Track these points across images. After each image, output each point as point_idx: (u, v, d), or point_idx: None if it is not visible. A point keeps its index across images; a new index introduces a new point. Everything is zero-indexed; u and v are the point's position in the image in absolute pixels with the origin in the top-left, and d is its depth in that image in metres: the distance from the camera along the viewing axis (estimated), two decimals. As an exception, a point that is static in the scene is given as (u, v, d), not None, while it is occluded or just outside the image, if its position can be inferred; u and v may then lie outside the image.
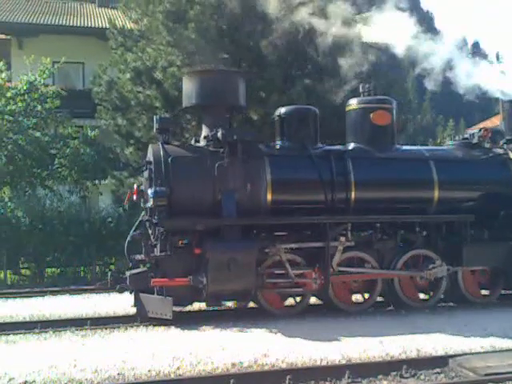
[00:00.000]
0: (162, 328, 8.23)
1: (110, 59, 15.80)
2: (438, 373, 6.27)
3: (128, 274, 8.61)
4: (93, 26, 22.32)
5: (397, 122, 9.94)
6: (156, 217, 8.25)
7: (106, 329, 8.22)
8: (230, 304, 9.53)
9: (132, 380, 5.97)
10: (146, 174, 8.80)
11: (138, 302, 8.49)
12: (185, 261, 8.40)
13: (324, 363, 6.51)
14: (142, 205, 9.09)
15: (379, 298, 9.60)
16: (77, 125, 18.02)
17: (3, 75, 15.93)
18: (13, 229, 13.84)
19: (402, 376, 6.16)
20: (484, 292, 10.00)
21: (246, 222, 8.60)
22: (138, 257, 8.86)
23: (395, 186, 9.54)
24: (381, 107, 9.67)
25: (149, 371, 6.19)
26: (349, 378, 6.03)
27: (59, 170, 16.81)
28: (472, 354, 6.71)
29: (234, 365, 6.42)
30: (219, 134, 8.54)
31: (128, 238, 8.95)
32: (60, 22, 22.25)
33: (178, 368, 6.31)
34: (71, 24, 22.31)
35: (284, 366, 6.42)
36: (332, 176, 9.06)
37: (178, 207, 8.39)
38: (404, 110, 15.89)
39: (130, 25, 16.78)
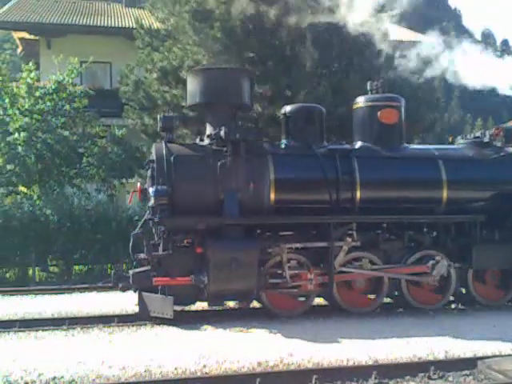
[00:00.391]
0: (188, 326, 8.26)
1: (136, 59, 15.93)
2: (467, 375, 6.19)
3: (131, 272, 8.62)
4: (120, 25, 22.49)
5: (405, 120, 9.77)
6: (157, 215, 8.22)
7: (132, 326, 8.31)
8: (231, 304, 9.53)
9: (159, 377, 6.02)
10: (149, 172, 8.80)
11: (140, 301, 8.48)
12: (187, 260, 8.39)
13: (350, 363, 6.48)
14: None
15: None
16: (104, 124, 18.20)
17: (32, 75, 16.14)
18: (41, 227, 14.02)
19: (429, 377, 6.10)
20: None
21: (247, 221, 8.52)
22: (142, 255, 8.82)
23: (402, 185, 9.34)
24: (388, 105, 9.52)
25: (175, 369, 6.23)
26: (376, 378, 5.99)
27: (87, 168, 17.00)
28: (502, 356, 6.60)
29: (259, 364, 6.42)
30: (222, 133, 8.48)
31: (132, 237, 8.93)
32: (87, 22, 22.47)
33: (204, 366, 6.33)
34: (99, 24, 22.51)
35: (310, 365, 6.40)
36: (337, 175, 8.91)
37: (179, 206, 8.36)
38: (431, 108, 15.72)
39: (156, 24, 16.89)
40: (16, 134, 15.36)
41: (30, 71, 16.16)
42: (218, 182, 8.42)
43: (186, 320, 8.58)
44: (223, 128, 8.49)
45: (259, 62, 13.57)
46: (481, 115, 49.40)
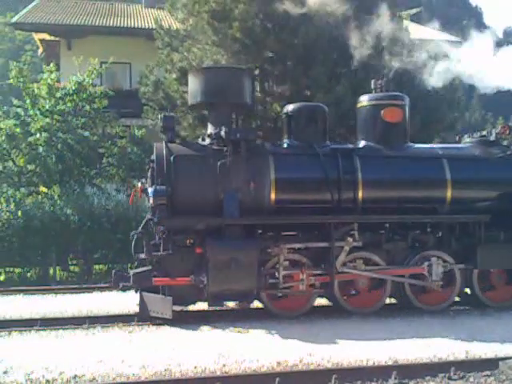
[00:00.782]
0: (207, 326, 8.28)
1: (156, 59, 16.00)
2: (488, 375, 6.12)
3: (131, 272, 8.64)
4: (139, 26, 22.63)
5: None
6: (156, 216, 8.23)
7: (152, 325, 8.34)
8: (231, 304, 9.50)
9: (178, 376, 6.04)
10: (149, 172, 8.80)
11: (140, 301, 8.50)
12: (187, 260, 8.38)
13: (370, 363, 6.44)
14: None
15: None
16: (124, 124, 18.33)
17: (53, 76, 16.30)
18: (62, 226, 14.14)
19: (450, 378, 6.04)
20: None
21: (246, 221, 8.48)
22: (142, 255, 8.81)
23: (405, 185, 9.24)
24: (392, 104, 9.42)
25: (195, 368, 6.25)
26: (396, 378, 5.95)
27: (107, 168, 17.12)
28: (524, 357, 6.52)
29: (279, 363, 6.41)
30: (222, 133, 8.47)
31: (132, 237, 8.97)
32: (107, 23, 22.63)
33: (224, 365, 6.34)
34: (118, 25, 22.67)
35: (329, 365, 6.38)
36: (338, 175, 8.85)
37: (179, 206, 8.37)
38: (452, 108, 15.57)
39: (176, 25, 16.95)
40: (37, 135, 15.53)
41: (51, 72, 16.31)
42: (218, 181, 8.43)
43: (206, 319, 8.61)
44: (223, 128, 8.49)
45: (278, 62, 13.56)
46: (503, 114, 48.78)
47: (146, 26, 22.21)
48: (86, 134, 16.36)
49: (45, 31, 22.59)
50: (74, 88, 16.28)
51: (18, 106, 16.22)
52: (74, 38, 22.07)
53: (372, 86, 9.76)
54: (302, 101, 11.81)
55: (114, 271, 8.95)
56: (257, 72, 13.36)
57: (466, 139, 10.33)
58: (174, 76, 14.66)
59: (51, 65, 16.70)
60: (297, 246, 8.78)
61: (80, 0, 26.06)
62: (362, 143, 9.48)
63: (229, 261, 8.07)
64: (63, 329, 8.14)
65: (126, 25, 22.81)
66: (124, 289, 8.76)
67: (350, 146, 9.47)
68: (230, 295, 8.42)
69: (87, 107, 16.59)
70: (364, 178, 8.94)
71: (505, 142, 9.93)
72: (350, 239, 8.73)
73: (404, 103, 9.54)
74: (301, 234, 8.98)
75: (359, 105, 9.68)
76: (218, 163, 8.42)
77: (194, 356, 6.66)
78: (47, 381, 5.92)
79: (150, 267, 8.46)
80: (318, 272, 8.79)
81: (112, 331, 8.03)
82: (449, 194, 9.22)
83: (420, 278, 9.09)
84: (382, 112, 9.29)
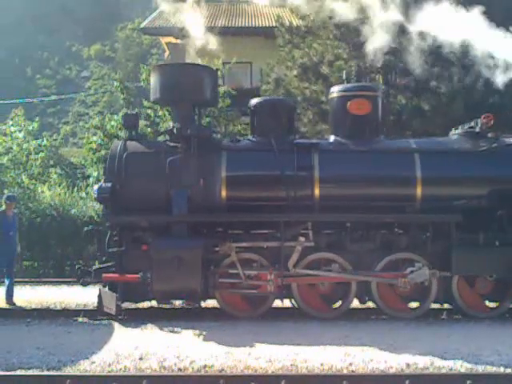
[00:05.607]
0: (332, 323, 8.22)
1: (277, 57, 16.13)
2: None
3: (93, 268, 8.68)
4: (260, 25, 22.93)
5: (383, 110, 8.86)
6: (102, 212, 8.30)
7: (278, 320, 8.37)
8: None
9: (305, 372, 6.03)
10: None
11: (98, 297, 8.59)
12: (137, 257, 8.30)
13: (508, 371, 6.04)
14: None
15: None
16: (245, 122, 18.66)
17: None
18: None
19: None
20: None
21: (188, 218, 8.31)
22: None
23: (368, 182, 8.58)
24: (359, 95, 8.73)
25: (321, 365, 6.20)
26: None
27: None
28: None
29: (408, 365, 6.20)
30: (175, 129, 8.45)
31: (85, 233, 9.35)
32: (229, 24, 23.16)
33: (351, 364, 6.24)
34: (239, 25, 23.13)
35: (463, 370, 6.07)
36: (293, 171, 8.39)
37: (130, 203, 8.40)
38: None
39: (296, 22, 16.98)
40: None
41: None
42: (168, 178, 8.35)
43: (332, 317, 8.52)
44: (176, 124, 8.51)
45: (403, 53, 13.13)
46: None
47: (266, 25, 22.45)
48: (211, 133, 16.82)
49: (171, 35, 23.55)
50: (199, 88, 16.79)
51: (149, 108, 17.04)
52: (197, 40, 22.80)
53: (343, 77, 9.21)
54: (428, 92, 11.36)
55: (77, 267, 9.10)
56: (379, 64, 13.02)
57: (454, 131, 9.33)
58: (295, 73, 14.72)
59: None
60: (245, 244, 8.48)
61: (204, 3, 26.87)
62: (331, 138, 9.00)
63: (172, 259, 7.93)
64: (194, 320, 8.39)
65: (246, 24, 23.21)
66: (85, 284, 8.85)
67: (312, 141, 9.07)
68: (175, 293, 8.28)
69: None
70: (321, 175, 8.45)
71: (491, 134, 8.82)
72: (301, 238, 8.34)
73: (375, 94, 8.90)
74: (250, 232, 8.64)
75: (330, 96, 9.18)
76: (168, 160, 8.38)
77: (320, 353, 6.62)
78: (179, 369, 6.16)
79: (111, 263, 8.58)
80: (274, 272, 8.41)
81: (239, 325, 8.15)
82: (419, 191, 8.44)
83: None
84: (348, 104, 8.71)
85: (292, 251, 8.37)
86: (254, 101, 9.15)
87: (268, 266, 8.46)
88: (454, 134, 9.26)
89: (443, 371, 6.03)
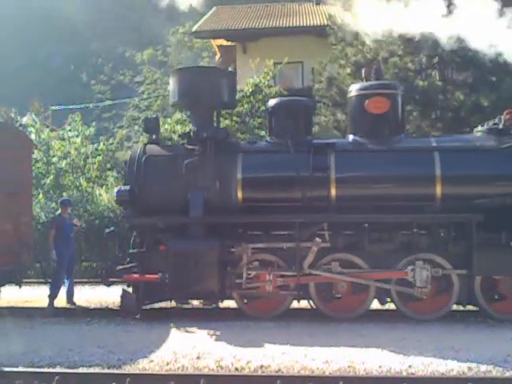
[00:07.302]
0: (389, 325, 8.08)
1: (329, 56, 16.01)
2: None
3: (117, 268, 8.73)
4: (310, 24, 22.82)
5: (403, 108, 8.60)
6: (122, 215, 8.33)
7: (332, 322, 8.28)
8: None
9: (363, 374, 5.95)
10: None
11: (121, 297, 8.66)
12: (157, 258, 8.39)
13: None
14: None
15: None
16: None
17: (231, 79, 17.06)
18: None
19: None
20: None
21: (204, 220, 8.35)
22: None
23: (386, 181, 8.34)
24: (377, 93, 8.47)
25: (379, 367, 6.11)
26: None
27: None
28: None
29: (469, 368, 6.02)
30: (191, 132, 8.50)
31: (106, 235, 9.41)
32: (279, 24, 23.15)
33: (410, 366, 6.13)
34: (290, 25, 23.08)
35: (528, 373, 5.86)
36: (309, 172, 8.23)
37: (147, 205, 8.57)
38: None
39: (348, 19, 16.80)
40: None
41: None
42: (185, 181, 8.44)
43: (386, 319, 8.39)
44: (193, 127, 8.62)
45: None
46: None
47: (317, 24, 22.31)
48: (263, 133, 16.87)
49: (222, 37, 23.77)
50: (250, 90, 16.89)
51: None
52: (248, 42, 22.91)
53: (362, 75, 8.96)
54: (487, 87, 11.03)
55: (104, 267, 9.28)
56: (436, 60, 12.76)
57: (479, 128, 8.87)
58: (348, 71, 14.55)
59: (229, 69, 17.49)
60: (260, 245, 8.43)
61: (254, 4, 27.01)
62: (350, 137, 8.77)
63: (189, 259, 8.04)
64: (248, 320, 8.42)
65: (297, 24, 23.14)
66: (109, 284, 9.01)
67: (329, 141, 8.83)
68: (192, 294, 8.37)
69: (263, 107, 17.11)
70: (338, 175, 8.27)
71: None
72: (317, 239, 8.18)
73: (394, 92, 8.62)
74: (267, 233, 8.58)
75: (348, 96, 8.94)
76: (185, 162, 8.44)
77: (378, 355, 6.52)
78: (236, 368, 6.21)
79: (135, 263, 8.66)
80: (289, 273, 8.34)
81: (294, 326, 8.12)
82: (439, 190, 8.12)
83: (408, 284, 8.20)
84: (366, 102, 8.48)
85: (308, 252, 8.33)
86: (272, 102, 9.22)
87: (285, 267, 8.45)
88: (479, 130, 8.98)
89: (507, 375, 5.84)
